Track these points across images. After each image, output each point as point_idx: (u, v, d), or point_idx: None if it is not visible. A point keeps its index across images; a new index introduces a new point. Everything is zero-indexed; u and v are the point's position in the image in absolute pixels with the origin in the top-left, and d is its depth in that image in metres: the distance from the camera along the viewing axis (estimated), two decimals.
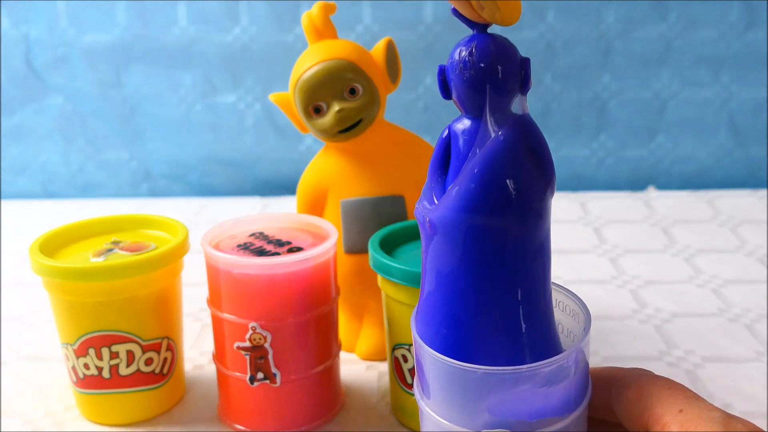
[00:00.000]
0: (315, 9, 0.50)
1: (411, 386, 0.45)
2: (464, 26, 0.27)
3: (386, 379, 0.51)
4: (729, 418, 0.26)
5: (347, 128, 0.49)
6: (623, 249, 0.72)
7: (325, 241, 0.45)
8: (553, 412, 0.28)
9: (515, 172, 0.27)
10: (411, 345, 0.43)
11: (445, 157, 0.29)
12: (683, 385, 0.29)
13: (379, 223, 0.50)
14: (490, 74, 0.27)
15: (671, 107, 0.88)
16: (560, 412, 0.28)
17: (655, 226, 0.77)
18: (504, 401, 0.27)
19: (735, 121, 0.88)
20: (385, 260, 0.43)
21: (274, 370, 0.44)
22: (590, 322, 0.30)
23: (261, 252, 0.44)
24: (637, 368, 0.31)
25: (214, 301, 0.45)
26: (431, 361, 0.29)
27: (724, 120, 0.88)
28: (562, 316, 0.32)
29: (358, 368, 0.53)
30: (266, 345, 0.43)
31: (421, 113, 0.87)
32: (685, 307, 0.60)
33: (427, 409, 0.30)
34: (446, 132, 0.29)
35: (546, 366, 0.27)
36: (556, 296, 0.32)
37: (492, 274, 0.28)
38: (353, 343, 0.55)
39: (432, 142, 0.50)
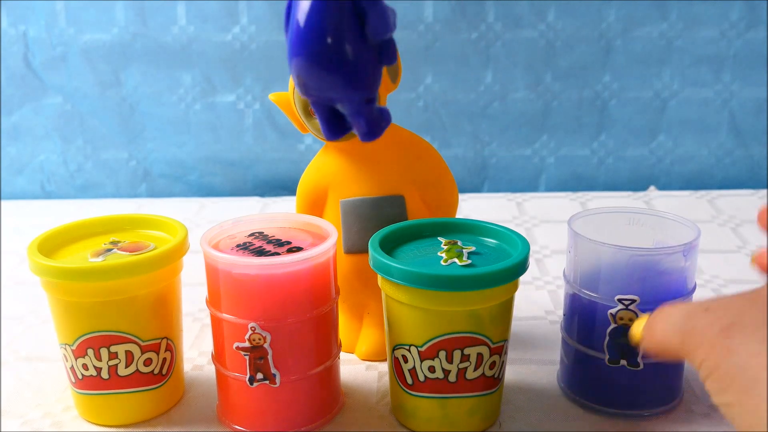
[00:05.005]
0: None
1: (411, 386, 0.45)
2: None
3: (386, 379, 0.51)
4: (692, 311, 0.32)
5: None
6: None
7: (325, 241, 0.44)
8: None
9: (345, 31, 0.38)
10: (411, 345, 0.43)
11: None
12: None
13: (379, 223, 0.50)
14: None
15: (672, 107, 0.87)
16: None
17: None
18: (633, 276, 0.43)
19: (736, 121, 0.88)
20: (385, 260, 0.43)
21: (273, 370, 0.44)
22: (700, 232, 0.44)
23: (260, 252, 0.44)
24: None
25: (213, 301, 0.45)
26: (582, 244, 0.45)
27: (725, 120, 0.88)
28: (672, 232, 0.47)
29: (358, 368, 0.53)
30: (266, 345, 0.43)
31: (421, 113, 0.87)
32: None
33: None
34: None
35: (664, 251, 0.43)
36: (668, 223, 0.47)
37: None
38: (353, 343, 0.55)
39: (432, 142, 0.50)
